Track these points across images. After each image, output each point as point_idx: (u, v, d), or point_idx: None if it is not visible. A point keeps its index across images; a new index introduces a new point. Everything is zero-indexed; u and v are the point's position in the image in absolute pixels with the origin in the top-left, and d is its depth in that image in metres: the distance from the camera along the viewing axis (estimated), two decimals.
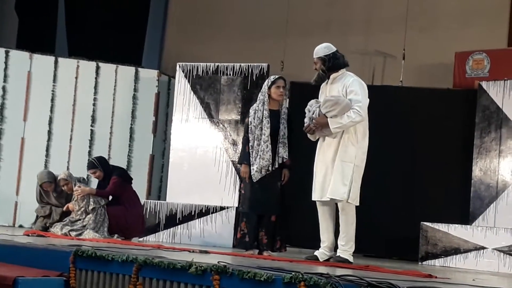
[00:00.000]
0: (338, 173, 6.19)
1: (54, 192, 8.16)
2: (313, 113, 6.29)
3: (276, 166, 6.78)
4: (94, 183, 8.50)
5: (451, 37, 10.12)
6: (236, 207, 8.42)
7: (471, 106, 8.51)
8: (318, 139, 6.48)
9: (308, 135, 6.44)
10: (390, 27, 10.40)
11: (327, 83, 6.45)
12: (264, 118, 6.82)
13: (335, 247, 6.40)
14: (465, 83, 9.44)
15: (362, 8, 11.09)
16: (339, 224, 6.30)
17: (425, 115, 8.83)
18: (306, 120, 6.36)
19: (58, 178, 8.07)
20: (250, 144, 6.85)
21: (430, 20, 10.47)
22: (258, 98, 6.96)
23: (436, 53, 10.08)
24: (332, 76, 6.38)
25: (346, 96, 6.23)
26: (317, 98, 6.53)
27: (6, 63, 9.56)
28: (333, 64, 6.35)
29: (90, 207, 7.82)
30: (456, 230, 7.76)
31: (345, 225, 6.26)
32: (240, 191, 7.05)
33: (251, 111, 6.94)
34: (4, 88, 9.53)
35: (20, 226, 9.29)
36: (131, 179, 8.29)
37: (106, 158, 9.39)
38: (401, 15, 10.05)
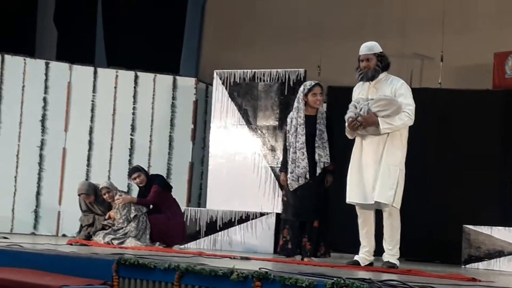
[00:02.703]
0: (385, 177, 6.11)
1: (95, 202, 8.24)
2: (360, 110, 6.19)
3: (319, 171, 6.71)
4: (135, 193, 8.55)
5: (490, 37, 9.99)
6: (277, 214, 8.42)
7: (511, 107, 8.39)
8: (354, 139, 6.39)
9: (347, 132, 6.32)
10: (427, 28, 10.30)
11: (364, 83, 6.34)
12: (298, 126, 6.77)
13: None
14: (505, 83, 9.32)
15: (398, 10, 11.00)
16: (383, 229, 6.24)
17: (465, 117, 8.73)
18: (351, 115, 6.22)
19: (100, 187, 8.14)
20: (288, 152, 6.84)
21: (467, 20, 10.35)
22: (293, 106, 6.92)
23: (475, 54, 9.96)
24: (377, 78, 6.30)
25: None
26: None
27: (46, 74, 9.68)
28: (387, 63, 6.30)
29: (132, 215, 7.88)
30: (499, 233, 7.64)
31: (391, 229, 6.21)
32: (283, 198, 7.02)
33: (288, 120, 6.92)
34: (45, 99, 9.65)
35: (64, 235, 9.38)
36: (171, 187, 8.33)
37: (146, 166, 9.49)
38: (438, 16, 9.96)
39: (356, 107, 6.23)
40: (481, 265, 7.67)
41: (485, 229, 7.73)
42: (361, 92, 6.39)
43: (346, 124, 6.27)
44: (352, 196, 6.29)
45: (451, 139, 8.74)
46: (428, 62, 10.30)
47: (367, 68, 6.28)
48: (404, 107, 6.12)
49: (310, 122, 6.80)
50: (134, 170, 8.22)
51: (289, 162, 6.76)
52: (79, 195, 8.26)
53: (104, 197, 8.10)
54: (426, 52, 10.29)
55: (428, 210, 8.57)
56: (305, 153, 6.70)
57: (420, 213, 8.43)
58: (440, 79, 9.62)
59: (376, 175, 6.15)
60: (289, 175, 6.76)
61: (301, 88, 6.92)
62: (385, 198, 6.11)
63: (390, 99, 6.13)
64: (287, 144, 6.89)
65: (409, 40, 10.60)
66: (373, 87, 6.31)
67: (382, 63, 6.29)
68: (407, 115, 6.12)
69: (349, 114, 6.25)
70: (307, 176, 6.68)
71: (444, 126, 8.74)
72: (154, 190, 7.97)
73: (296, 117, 6.81)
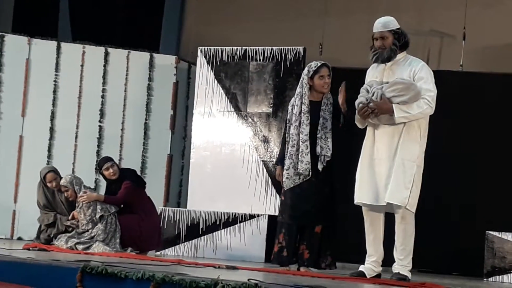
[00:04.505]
0: (400, 174, 6.12)
1: (60, 193, 8.20)
2: (372, 95, 6.21)
3: (321, 167, 6.72)
4: (102, 190, 8.55)
5: None
6: (270, 216, 8.44)
7: None
8: (365, 130, 6.41)
9: (357, 120, 6.36)
10: (448, 2, 10.32)
11: (379, 64, 6.35)
12: (302, 114, 6.76)
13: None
14: None
15: None
16: (395, 235, 6.26)
17: (490, 105, 8.76)
18: (362, 100, 6.23)
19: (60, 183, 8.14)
20: (287, 145, 6.84)
21: None
22: (296, 92, 6.90)
23: (502, 32, 9.98)
24: (393, 59, 6.32)
25: None
26: (363, 84, 6.46)
27: (1, 49, 9.68)
28: (405, 41, 6.33)
29: (98, 215, 7.88)
30: None
31: (403, 236, 6.21)
32: (281, 197, 7.01)
33: (289, 107, 6.91)
34: None
35: (19, 238, 9.39)
36: (144, 183, 8.33)
37: (118, 158, 9.48)
38: None
39: (368, 91, 6.26)
40: (506, 278, 7.71)
41: (511, 237, 7.77)
42: (375, 74, 6.41)
43: (356, 110, 6.31)
44: (361, 196, 6.28)
45: (473, 131, 8.76)
46: (448, 41, 10.31)
47: (382, 47, 6.31)
48: (424, 93, 6.15)
49: (314, 109, 6.79)
50: (105, 160, 8.18)
51: (286, 157, 6.77)
52: (44, 176, 8.17)
53: (65, 195, 8.10)
54: (446, 29, 10.30)
55: (444, 214, 8.60)
56: (309, 146, 6.70)
57: (435, 217, 8.45)
58: (462, 61, 9.64)
59: (389, 172, 6.17)
60: (284, 172, 6.76)
61: (305, 71, 6.90)
62: (399, 200, 6.12)
63: (408, 83, 6.15)
64: (286, 135, 6.88)
65: (426, 14, 10.60)
66: (389, 69, 6.33)
67: (399, 42, 6.32)
68: (426, 103, 6.14)
69: (360, 99, 6.26)
70: (310, 173, 6.68)
71: (466, 116, 8.76)
72: (125, 186, 7.97)
73: (299, 104, 6.79)
